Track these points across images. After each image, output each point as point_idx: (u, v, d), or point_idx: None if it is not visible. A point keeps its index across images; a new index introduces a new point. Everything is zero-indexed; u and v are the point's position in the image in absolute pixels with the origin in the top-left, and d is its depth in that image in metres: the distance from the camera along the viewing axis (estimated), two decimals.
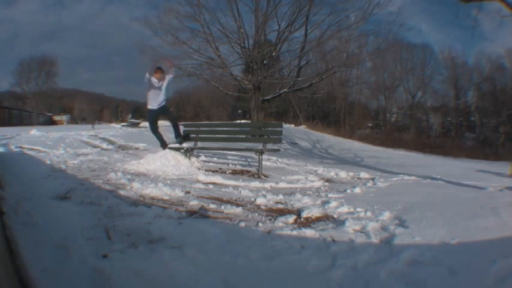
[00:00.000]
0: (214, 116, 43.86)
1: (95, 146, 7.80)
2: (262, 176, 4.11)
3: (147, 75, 4.64)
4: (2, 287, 0.99)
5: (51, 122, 40.68)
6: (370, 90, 33.41)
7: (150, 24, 12.69)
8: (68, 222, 2.03)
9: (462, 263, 1.52)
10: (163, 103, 4.79)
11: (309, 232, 2.01)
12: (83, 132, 11.49)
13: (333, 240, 1.90)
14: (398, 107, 35.77)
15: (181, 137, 4.98)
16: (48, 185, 3.05)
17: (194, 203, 2.66)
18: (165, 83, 4.72)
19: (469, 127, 33.97)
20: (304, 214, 2.41)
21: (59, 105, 49.54)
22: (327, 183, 3.85)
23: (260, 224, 2.19)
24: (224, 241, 1.87)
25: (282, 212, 2.51)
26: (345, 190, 3.28)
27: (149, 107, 4.80)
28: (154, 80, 4.64)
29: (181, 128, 5.26)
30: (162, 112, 4.89)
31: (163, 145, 4.95)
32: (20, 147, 6.33)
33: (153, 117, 4.88)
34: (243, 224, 2.18)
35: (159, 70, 4.76)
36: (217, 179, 3.74)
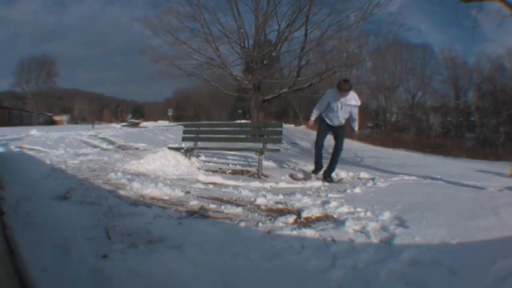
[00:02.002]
0: (214, 116, 43.86)
1: (94, 146, 7.80)
2: (262, 176, 4.11)
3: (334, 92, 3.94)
4: (2, 287, 0.99)
5: (51, 122, 40.69)
6: (370, 90, 33.35)
7: (150, 24, 12.72)
8: (68, 222, 2.03)
9: (462, 263, 1.52)
10: (341, 122, 4.06)
11: (309, 232, 2.01)
12: (83, 132, 11.48)
13: (333, 240, 1.90)
14: (398, 107, 35.76)
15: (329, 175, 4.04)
16: (48, 185, 3.05)
17: (194, 203, 2.66)
18: (351, 106, 3.95)
19: (469, 127, 33.95)
20: (304, 214, 2.41)
21: (59, 105, 49.56)
22: (326, 183, 3.85)
23: (260, 224, 2.19)
24: (224, 241, 1.87)
25: (282, 212, 2.51)
26: (345, 190, 3.28)
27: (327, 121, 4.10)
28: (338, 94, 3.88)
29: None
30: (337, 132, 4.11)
31: (316, 169, 4.18)
32: (20, 147, 6.33)
33: (322, 134, 4.17)
34: (243, 224, 2.18)
35: (346, 85, 3.83)
36: (217, 179, 3.74)
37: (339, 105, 3.94)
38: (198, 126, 5.48)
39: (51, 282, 1.33)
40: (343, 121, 4.09)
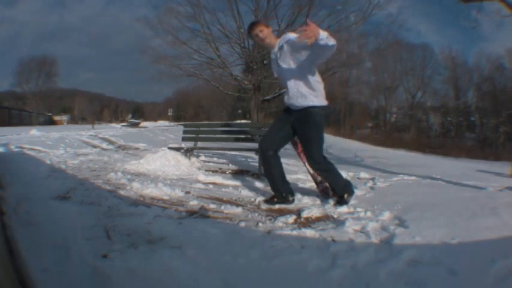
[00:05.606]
0: (214, 116, 43.91)
1: (94, 146, 7.80)
2: (262, 176, 4.10)
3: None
4: (2, 287, 0.99)
5: (51, 122, 40.73)
6: (370, 90, 33.43)
7: (150, 25, 12.75)
8: (68, 222, 2.02)
9: (462, 263, 1.52)
10: (299, 101, 2.36)
11: (309, 232, 2.01)
12: (83, 132, 11.49)
13: (333, 240, 1.90)
14: (398, 107, 35.85)
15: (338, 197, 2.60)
16: (48, 185, 3.05)
17: (194, 203, 2.66)
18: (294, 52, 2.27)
19: (469, 127, 34.00)
20: (304, 214, 2.41)
21: (59, 105, 49.64)
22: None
23: (260, 224, 2.19)
24: (224, 241, 1.87)
25: (282, 212, 2.51)
26: None
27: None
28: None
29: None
30: (295, 125, 2.45)
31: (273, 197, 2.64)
32: (20, 147, 6.33)
33: (274, 129, 2.57)
34: (243, 224, 2.18)
35: (257, 26, 2.40)
36: (217, 179, 3.74)
37: (276, 60, 2.41)
38: (198, 126, 5.47)
39: (51, 282, 1.33)
40: (302, 98, 2.34)
